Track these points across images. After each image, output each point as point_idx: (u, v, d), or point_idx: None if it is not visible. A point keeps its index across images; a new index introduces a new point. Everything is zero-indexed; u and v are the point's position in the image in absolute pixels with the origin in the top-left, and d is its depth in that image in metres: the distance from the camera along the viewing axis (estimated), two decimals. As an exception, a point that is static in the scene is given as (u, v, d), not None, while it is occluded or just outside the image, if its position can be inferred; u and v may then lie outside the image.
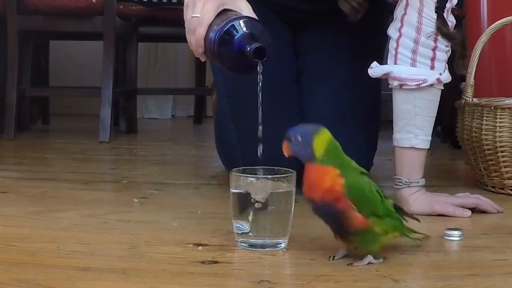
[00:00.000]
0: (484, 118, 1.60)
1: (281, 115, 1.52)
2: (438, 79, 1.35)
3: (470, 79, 1.65)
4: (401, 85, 1.35)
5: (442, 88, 1.39)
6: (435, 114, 1.39)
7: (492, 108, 1.59)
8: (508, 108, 1.57)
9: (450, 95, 2.71)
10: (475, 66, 1.64)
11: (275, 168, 1.11)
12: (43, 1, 2.60)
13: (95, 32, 2.67)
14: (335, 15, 1.39)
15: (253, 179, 1.08)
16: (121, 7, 2.87)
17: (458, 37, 1.35)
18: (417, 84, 1.34)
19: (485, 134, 1.60)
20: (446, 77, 1.36)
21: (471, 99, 1.66)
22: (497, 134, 1.58)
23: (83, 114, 3.69)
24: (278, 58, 1.56)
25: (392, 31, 1.37)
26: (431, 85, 1.35)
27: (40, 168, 2.02)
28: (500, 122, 1.58)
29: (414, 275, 0.99)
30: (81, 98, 3.62)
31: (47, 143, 2.82)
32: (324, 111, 1.54)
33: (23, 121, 3.01)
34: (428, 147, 1.39)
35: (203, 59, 1.23)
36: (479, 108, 1.62)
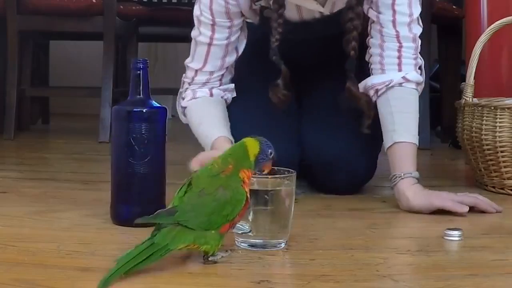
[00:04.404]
0: (484, 118, 1.60)
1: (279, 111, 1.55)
2: (404, 78, 1.45)
3: (470, 79, 1.65)
4: (377, 92, 1.46)
5: (415, 87, 1.47)
6: (416, 111, 1.46)
7: (492, 108, 1.59)
8: (508, 108, 1.57)
9: (450, 95, 2.73)
10: (475, 66, 1.64)
11: (275, 168, 1.11)
12: (43, 1, 2.60)
13: (95, 32, 2.68)
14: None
15: (253, 179, 1.08)
16: (121, 7, 2.87)
17: (363, 97, 1.45)
18: (386, 85, 1.45)
19: (485, 134, 1.60)
20: (414, 76, 1.46)
21: (471, 99, 1.66)
22: (497, 134, 1.58)
23: (83, 114, 3.69)
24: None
25: (366, 56, 1.51)
26: (400, 84, 1.45)
27: (40, 168, 2.02)
28: (500, 122, 1.58)
29: (414, 275, 0.99)
30: (81, 98, 3.62)
31: (47, 143, 2.82)
32: (324, 110, 1.56)
33: (23, 121, 3.01)
34: (414, 142, 1.43)
35: None
36: (479, 108, 1.62)
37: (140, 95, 1.22)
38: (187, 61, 1.54)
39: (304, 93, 1.64)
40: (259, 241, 1.07)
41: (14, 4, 2.62)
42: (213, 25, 1.47)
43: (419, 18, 1.47)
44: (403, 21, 1.44)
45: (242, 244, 1.08)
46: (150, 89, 1.23)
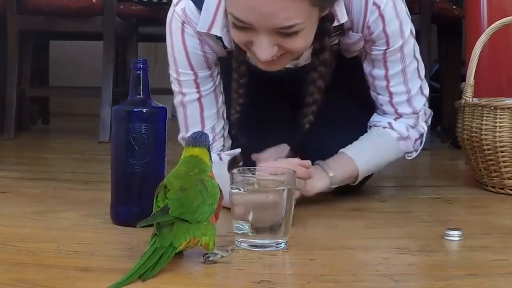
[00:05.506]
0: (484, 118, 1.60)
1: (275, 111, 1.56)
2: (390, 124, 1.48)
3: (470, 79, 1.65)
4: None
5: (397, 140, 1.49)
6: (383, 156, 1.48)
7: (492, 108, 1.59)
8: (508, 108, 1.57)
9: (450, 95, 2.73)
10: (475, 66, 1.64)
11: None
12: (43, 1, 2.60)
13: (95, 32, 2.68)
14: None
15: (253, 179, 1.08)
16: (121, 7, 2.87)
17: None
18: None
19: (485, 134, 1.60)
20: (402, 129, 1.50)
21: (471, 99, 1.66)
22: (497, 134, 1.58)
23: (83, 114, 3.69)
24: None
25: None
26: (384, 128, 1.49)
27: (40, 168, 2.02)
28: (500, 122, 1.58)
29: (414, 275, 0.99)
30: (81, 98, 3.62)
31: (47, 143, 2.82)
32: (322, 110, 1.56)
33: (23, 121, 3.01)
34: (358, 167, 1.43)
35: None
36: (479, 108, 1.62)
37: (140, 95, 1.22)
38: (182, 136, 1.47)
39: (300, 94, 1.64)
40: (259, 241, 1.07)
41: (14, 4, 2.62)
42: (195, 79, 1.44)
43: (422, 87, 1.46)
44: (401, 100, 1.45)
45: (242, 244, 1.08)
46: (150, 89, 1.23)
